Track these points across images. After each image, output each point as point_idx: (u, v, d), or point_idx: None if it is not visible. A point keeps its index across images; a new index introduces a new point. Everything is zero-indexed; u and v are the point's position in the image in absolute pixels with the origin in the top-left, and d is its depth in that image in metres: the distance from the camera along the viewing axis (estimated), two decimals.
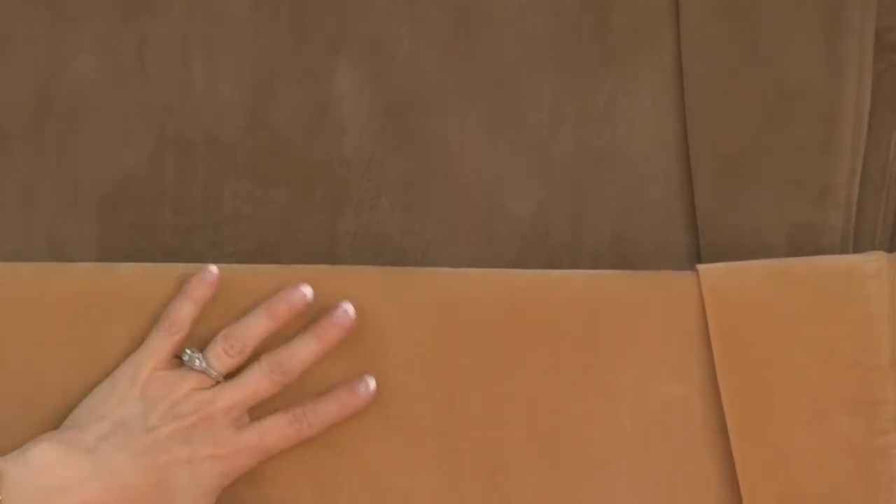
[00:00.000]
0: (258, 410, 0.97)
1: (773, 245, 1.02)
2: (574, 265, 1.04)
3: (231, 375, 0.97)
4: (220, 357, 0.96)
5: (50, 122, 1.04)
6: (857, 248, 1.03)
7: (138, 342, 0.99)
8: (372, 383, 0.98)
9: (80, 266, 1.02)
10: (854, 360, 0.99)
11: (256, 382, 0.95)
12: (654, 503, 1.00)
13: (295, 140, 1.03)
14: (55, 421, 0.99)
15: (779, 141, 1.01)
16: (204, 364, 0.95)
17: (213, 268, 0.98)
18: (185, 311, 0.97)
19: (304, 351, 0.96)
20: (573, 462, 1.00)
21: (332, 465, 1.00)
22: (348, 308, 0.97)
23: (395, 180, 1.04)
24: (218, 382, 0.96)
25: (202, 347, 0.97)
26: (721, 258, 1.02)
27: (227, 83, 1.03)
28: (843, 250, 1.02)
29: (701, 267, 1.01)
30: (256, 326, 0.96)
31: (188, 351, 0.96)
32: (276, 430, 0.95)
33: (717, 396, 1.00)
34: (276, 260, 1.04)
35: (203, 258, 1.03)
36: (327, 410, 0.97)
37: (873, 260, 1.00)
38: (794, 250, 1.02)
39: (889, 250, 1.02)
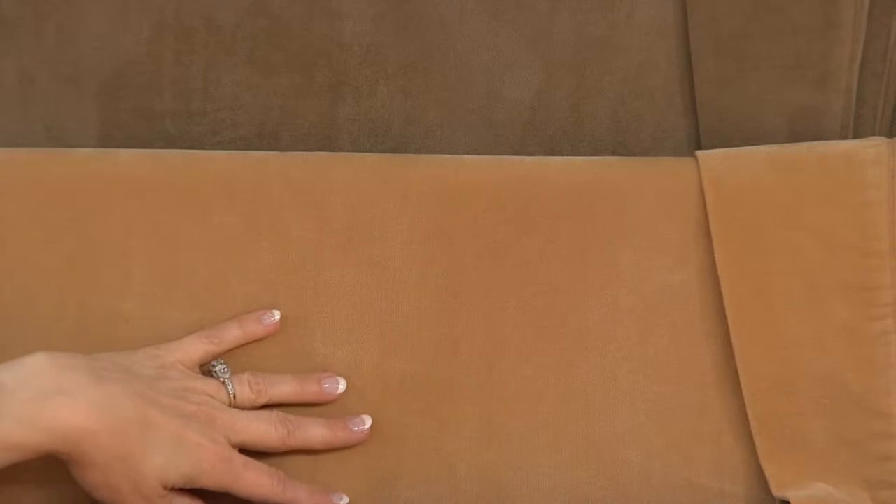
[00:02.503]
0: None
1: (773, 130, 1.02)
2: (573, 151, 1.04)
3: None
4: (242, 384, 0.96)
5: (49, 6, 1.03)
6: (858, 134, 1.02)
7: (137, 228, 1.00)
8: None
9: (80, 151, 1.02)
10: (852, 245, 0.99)
11: (265, 427, 0.95)
12: (652, 387, 1.00)
13: (294, 25, 1.03)
14: (52, 306, 1.00)
15: (779, 24, 1.01)
16: (228, 376, 0.96)
17: (277, 314, 0.99)
18: (231, 334, 0.97)
19: (314, 430, 0.96)
20: (571, 345, 1.00)
21: (332, 351, 1.01)
22: (367, 423, 0.98)
23: (395, 66, 1.04)
24: (230, 405, 0.95)
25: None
26: (721, 144, 1.02)
27: None
28: (844, 136, 1.02)
29: (700, 153, 1.01)
30: (284, 386, 0.97)
31: (218, 361, 0.97)
32: (258, 472, 0.94)
33: (715, 281, 1.00)
34: (275, 146, 1.04)
35: (202, 144, 1.04)
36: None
37: (873, 145, 1.00)
38: (795, 135, 1.02)
39: (889, 136, 1.02)
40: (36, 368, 0.87)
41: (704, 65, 1.02)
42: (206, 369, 0.97)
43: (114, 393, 0.88)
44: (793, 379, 0.99)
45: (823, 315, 0.99)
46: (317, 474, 0.99)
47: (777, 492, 0.98)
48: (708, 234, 1.00)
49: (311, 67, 1.04)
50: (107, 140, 1.04)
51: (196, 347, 0.97)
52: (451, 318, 1.00)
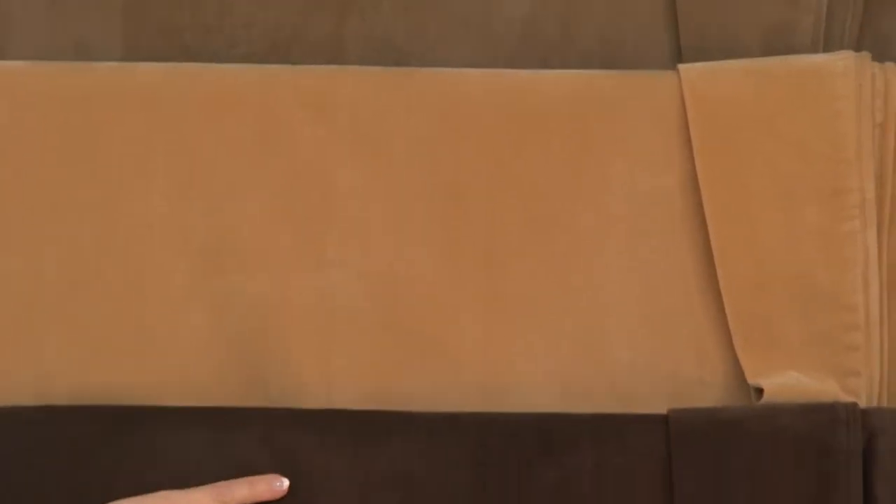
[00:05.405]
0: None
1: (748, 45, 1.06)
2: (564, 65, 1.07)
3: None
4: None
5: None
6: (827, 48, 1.06)
7: (154, 139, 1.04)
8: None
9: (100, 65, 1.05)
10: (823, 152, 1.03)
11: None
12: (640, 286, 1.04)
13: None
14: (75, 216, 1.03)
15: None
16: None
17: (286, 483, 1.01)
18: (240, 492, 1.00)
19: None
20: (565, 247, 1.04)
21: (342, 256, 1.04)
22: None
23: None
24: None
25: None
26: (700, 59, 1.05)
27: None
28: (814, 50, 1.06)
29: (682, 66, 1.05)
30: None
31: None
32: None
33: (697, 187, 1.04)
34: (286, 60, 1.07)
35: (219, 59, 1.07)
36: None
37: (842, 59, 1.04)
38: (769, 50, 1.06)
39: (856, 50, 1.06)
40: None
41: None
42: None
43: None
44: (768, 277, 1.03)
45: (797, 218, 1.03)
46: (332, 389, 1.04)
47: (752, 380, 1.03)
48: (690, 143, 1.04)
49: None
50: (131, 54, 1.07)
51: (202, 501, 0.99)
52: (453, 222, 1.04)
